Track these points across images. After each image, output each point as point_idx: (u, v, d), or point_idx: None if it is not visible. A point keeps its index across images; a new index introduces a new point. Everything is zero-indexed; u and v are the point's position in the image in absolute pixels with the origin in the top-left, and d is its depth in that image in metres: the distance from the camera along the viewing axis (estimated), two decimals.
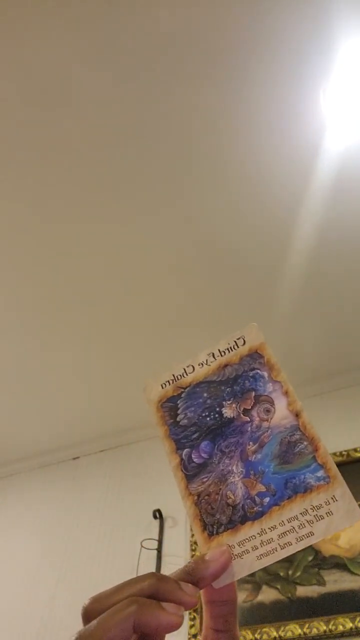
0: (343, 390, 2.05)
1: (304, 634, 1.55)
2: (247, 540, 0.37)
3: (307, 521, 0.37)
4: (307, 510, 0.37)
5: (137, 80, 1.32)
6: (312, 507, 0.37)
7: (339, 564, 1.65)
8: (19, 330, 1.94)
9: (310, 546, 1.71)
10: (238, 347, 0.45)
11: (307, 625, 1.56)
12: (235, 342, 0.46)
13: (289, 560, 1.72)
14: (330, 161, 1.45)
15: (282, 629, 1.58)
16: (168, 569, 1.86)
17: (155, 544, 1.93)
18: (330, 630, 1.52)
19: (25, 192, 1.53)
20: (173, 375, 0.46)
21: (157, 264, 1.73)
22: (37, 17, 1.22)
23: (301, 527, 0.37)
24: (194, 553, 1.84)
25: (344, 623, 1.52)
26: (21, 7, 1.20)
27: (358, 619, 1.52)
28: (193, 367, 0.46)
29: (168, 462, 0.42)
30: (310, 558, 1.70)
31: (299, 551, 0.37)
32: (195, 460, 0.41)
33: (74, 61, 1.29)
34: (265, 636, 1.59)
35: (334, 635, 1.52)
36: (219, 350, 0.46)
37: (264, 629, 1.60)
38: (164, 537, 1.96)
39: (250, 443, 0.41)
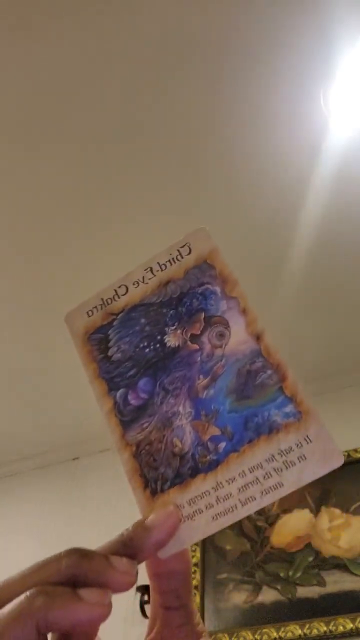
0: (343, 390, 2.05)
1: (304, 634, 1.55)
2: (199, 497, 0.30)
3: (275, 469, 0.29)
4: (273, 456, 0.29)
5: (138, 80, 1.32)
6: (279, 451, 0.29)
7: (339, 565, 1.64)
8: (19, 330, 1.94)
9: (310, 547, 1.71)
10: (182, 257, 0.36)
11: (307, 626, 1.56)
12: (178, 251, 0.36)
13: (289, 561, 1.71)
14: (331, 161, 1.45)
15: (282, 629, 1.58)
16: None
17: None
18: (331, 631, 1.52)
19: (24, 193, 1.53)
20: (101, 300, 0.37)
21: None
22: (36, 17, 1.21)
23: (267, 477, 0.29)
24: (193, 554, 1.83)
25: (344, 624, 1.52)
26: (22, 6, 1.20)
27: (358, 620, 1.51)
28: (126, 288, 0.36)
29: (99, 408, 0.34)
30: (310, 559, 1.69)
31: (265, 506, 0.29)
32: (132, 402, 0.33)
33: (73, 61, 1.29)
34: (265, 637, 1.59)
35: (334, 636, 1.52)
36: (158, 263, 0.36)
37: (264, 630, 1.60)
38: None
39: (200, 376, 0.32)
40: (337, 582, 1.62)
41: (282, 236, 1.64)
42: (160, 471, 0.31)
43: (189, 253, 0.36)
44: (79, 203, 1.57)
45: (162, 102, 1.35)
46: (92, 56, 1.28)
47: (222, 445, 0.31)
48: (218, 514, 0.29)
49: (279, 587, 1.68)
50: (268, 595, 1.68)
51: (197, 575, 1.79)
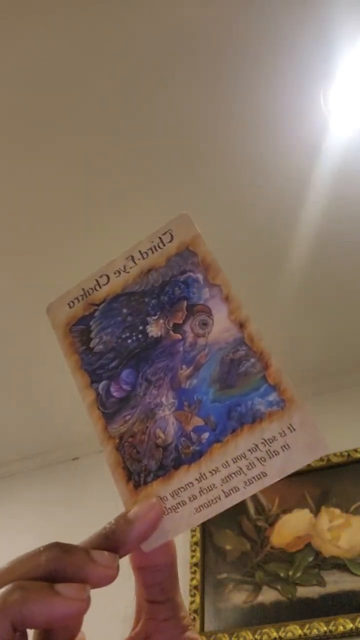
0: (343, 390, 2.05)
1: (305, 634, 1.54)
2: (182, 489, 0.29)
3: (258, 459, 0.28)
4: (257, 446, 0.29)
5: (138, 79, 1.32)
6: (263, 440, 0.29)
7: (339, 565, 1.64)
8: (19, 330, 1.94)
9: (310, 547, 1.71)
10: (164, 245, 0.35)
11: (307, 626, 1.55)
12: (160, 238, 0.35)
13: (289, 561, 1.71)
14: (331, 161, 1.45)
15: (282, 629, 1.58)
16: None
17: None
18: (331, 631, 1.52)
19: (25, 194, 1.53)
20: (83, 290, 0.37)
21: None
22: (37, 17, 1.21)
23: (250, 467, 0.28)
24: (193, 554, 1.83)
25: (345, 624, 1.52)
26: (21, 6, 1.20)
27: (358, 620, 1.51)
28: (108, 277, 0.36)
29: (81, 400, 0.34)
30: (310, 559, 1.69)
31: (251, 496, 0.30)
32: (114, 394, 0.33)
33: (73, 61, 1.29)
34: (265, 637, 1.59)
35: (334, 636, 1.52)
36: (140, 252, 0.35)
37: (264, 630, 1.60)
38: None
39: (183, 366, 0.32)
40: (337, 582, 1.62)
41: (282, 236, 1.64)
42: (144, 463, 0.31)
43: (171, 240, 0.35)
44: (78, 203, 1.57)
45: (162, 102, 1.35)
46: (92, 56, 1.28)
47: (206, 435, 0.30)
48: (201, 505, 0.29)
49: (279, 587, 1.68)
50: (268, 595, 1.68)
51: (197, 575, 1.79)
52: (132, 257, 0.36)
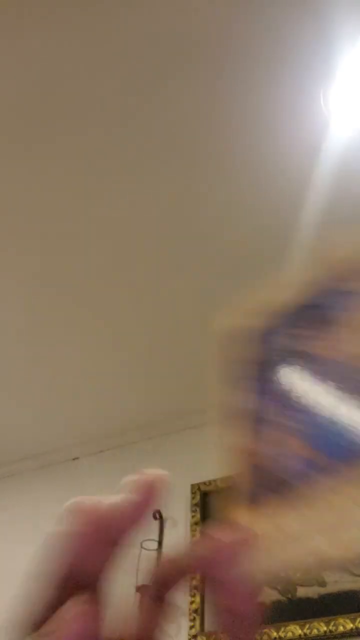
0: None
1: (305, 634, 1.55)
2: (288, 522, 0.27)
3: None
4: None
5: (138, 80, 1.32)
6: None
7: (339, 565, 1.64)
8: (19, 330, 1.94)
9: None
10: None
11: (307, 626, 1.56)
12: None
13: None
14: (331, 161, 1.45)
15: (282, 629, 1.58)
16: None
17: (155, 545, 1.93)
18: (331, 631, 1.52)
19: (25, 195, 1.53)
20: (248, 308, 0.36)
21: (157, 262, 1.72)
22: (37, 16, 1.21)
23: None
24: None
25: (344, 624, 1.52)
26: (20, 6, 1.20)
27: (358, 620, 1.51)
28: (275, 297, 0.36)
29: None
30: None
31: None
32: (257, 410, 0.32)
33: (72, 61, 1.29)
34: (265, 637, 1.59)
35: (334, 636, 1.52)
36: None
37: (264, 630, 1.60)
38: (163, 538, 1.95)
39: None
40: (337, 582, 1.62)
41: (282, 236, 1.64)
42: (264, 486, 0.29)
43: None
44: (78, 203, 1.57)
45: (162, 102, 1.35)
46: (92, 56, 1.29)
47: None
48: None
49: (279, 587, 1.68)
50: (268, 595, 1.68)
51: (198, 575, 1.79)
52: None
